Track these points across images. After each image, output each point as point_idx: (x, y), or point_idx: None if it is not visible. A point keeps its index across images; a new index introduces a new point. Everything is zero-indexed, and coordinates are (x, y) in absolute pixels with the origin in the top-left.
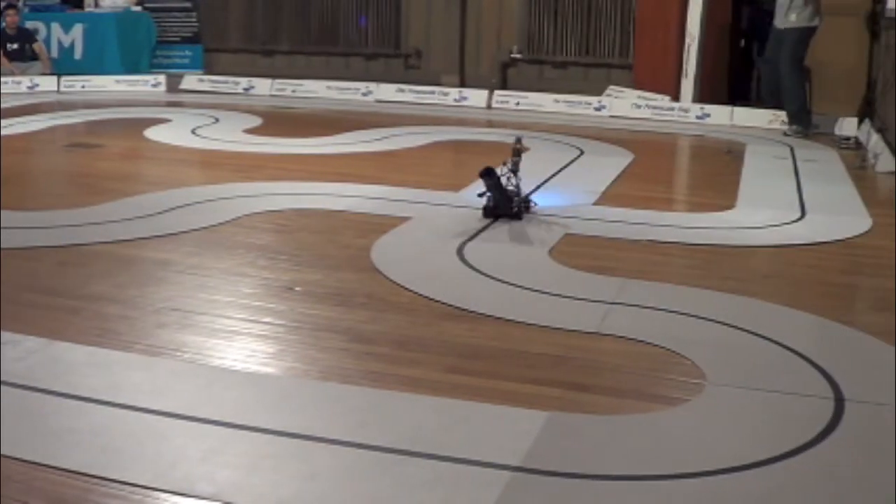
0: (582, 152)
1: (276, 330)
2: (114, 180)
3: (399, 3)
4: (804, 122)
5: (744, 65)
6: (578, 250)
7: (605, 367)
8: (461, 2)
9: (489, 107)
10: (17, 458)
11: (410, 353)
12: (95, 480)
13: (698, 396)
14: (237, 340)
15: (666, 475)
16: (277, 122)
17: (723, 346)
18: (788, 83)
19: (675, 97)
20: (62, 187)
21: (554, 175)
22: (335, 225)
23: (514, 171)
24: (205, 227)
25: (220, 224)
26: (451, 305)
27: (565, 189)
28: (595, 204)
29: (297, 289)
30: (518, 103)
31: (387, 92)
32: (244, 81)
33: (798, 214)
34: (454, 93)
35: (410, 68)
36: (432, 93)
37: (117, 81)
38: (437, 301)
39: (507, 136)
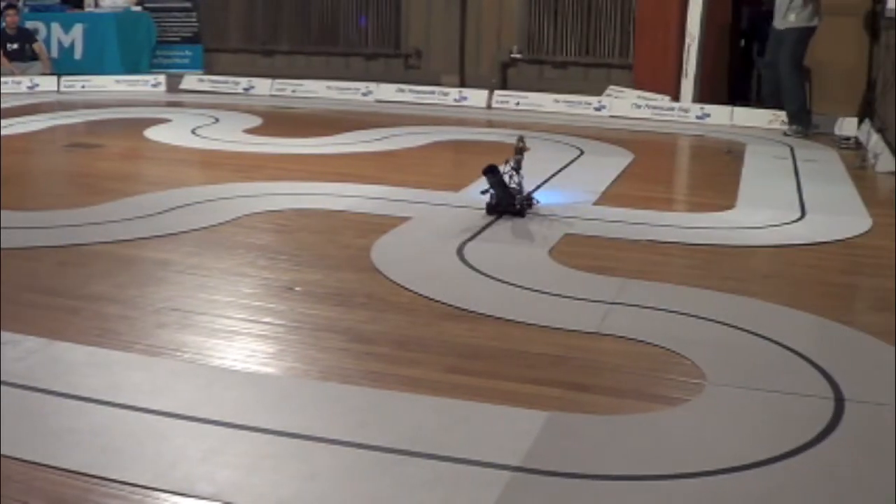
0: (582, 152)
1: (276, 330)
2: (114, 180)
3: (399, 3)
4: (804, 122)
5: (744, 65)
6: (578, 250)
7: (605, 367)
8: (461, 2)
9: (489, 107)
10: (17, 458)
11: (410, 353)
12: (95, 480)
13: (698, 396)
14: (237, 340)
15: (666, 475)
16: (277, 122)
17: (723, 346)
18: (788, 83)
19: (675, 97)
20: (62, 187)
21: (554, 175)
22: (335, 225)
23: (517, 168)
24: (205, 227)
25: (220, 224)
26: (451, 305)
27: (565, 189)
28: (595, 204)
29: (297, 289)
30: (518, 103)
31: (387, 92)
32: (244, 81)
33: (798, 214)
34: (454, 93)
35: (410, 68)
36: (432, 93)
37: (117, 81)
38: (437, 301)
39: (507, 136)
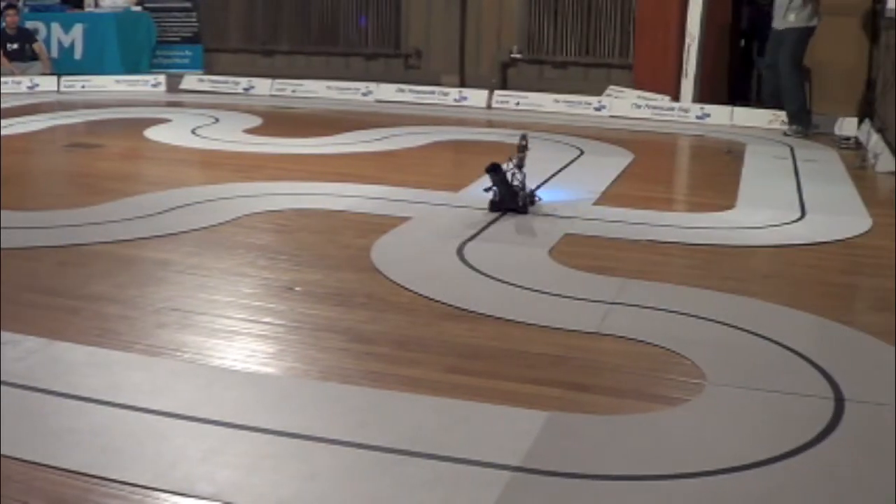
0: (582, 152)
1: (276, 330)
2: (114, 180)
3: (399, 3)
4: (804, 122)
5: (744, 65)
6: (578, 250)
7: (605, 367)
8: (461, 2)
9: (489, 107)
10: (17, 458)
11: (410, 353)
12: (95, 480)
13: (698, 396)
14: (237, 340)
15: (666, 475)
16: (277, 122)
17: (723, 346)
18: (788, 83)
19: (675, 97)
20: (62, 187)
21: (554, 175)
22: (335, 225)
23: (520, 166)
24: (205, 227)
25: (220, 224)
26: (451, 305)
27: (565, 189)
28: (595, 204)
29: (297, 289)
30: (518, 103)
31: (387, 92)
32: (244, 81)
33: (798, 214)
34: (454, 93)
35: (410, 68)
36: (432, 93)
37: (117, 81)
38: (437, 301)
39: (507, 136)
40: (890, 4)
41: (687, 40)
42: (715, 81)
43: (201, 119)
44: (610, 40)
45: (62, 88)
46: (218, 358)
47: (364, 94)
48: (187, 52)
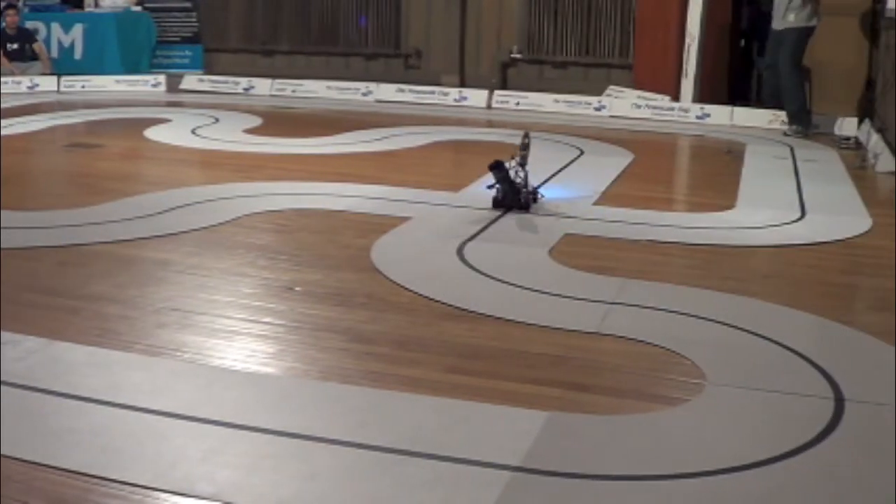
0: (582, 152)
1: (276, 330)
2: (114, 180)
3: (399, 3)
4: (804, 122)
5: (744, 65)
6: (578, 250)
7: (605, 367)
8: (461, 2)
9: (489, 107)
10: (17, 458)
11: (410, 353)
12: (95, 480)
13: (698, 396)
14: (237, 340)
15: (666, 475)
16: (277, 122)
17: (723, 346)
18: (788, 83)
19: (675, 97)
20: (62, 187)
21: (554, 175)
22: (335, 225)
23: (523, 164)
24: (205, 227)
25: (220, 224)
26: (451, 305)
27: (566, 189)
28: (595, 204)
29: (297, 289)
30: (518, 103)
31: (387, 92)
32: (244, 81)
33: (798, 214)
34: (454, 93)
35: (410, 68)
36: (432, 93)
37: (117, 81)
38: (437, 301)
39: (507, 136)
40: (890, 4)
41: (687, 40)
42: (715, 81)
43: (201, 119)
44: (610, 40)
45: (62, 88)
46: (218, 358)
47: (364, 94)
48: (187, 52)
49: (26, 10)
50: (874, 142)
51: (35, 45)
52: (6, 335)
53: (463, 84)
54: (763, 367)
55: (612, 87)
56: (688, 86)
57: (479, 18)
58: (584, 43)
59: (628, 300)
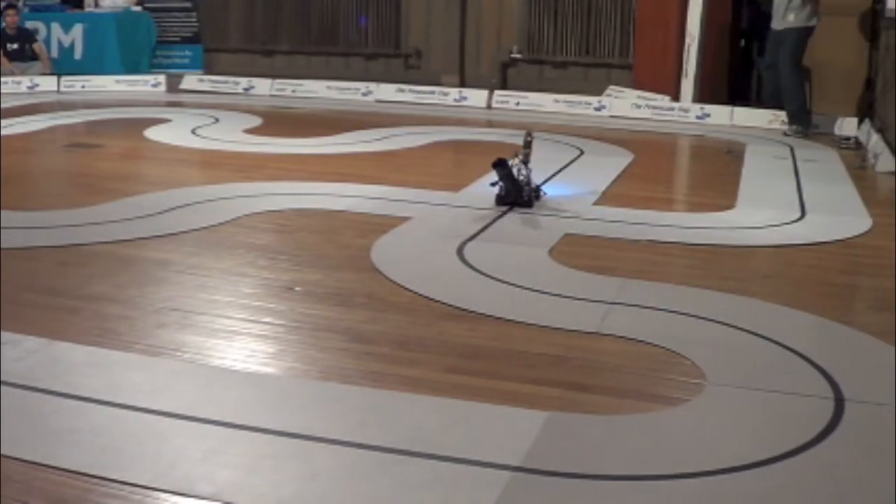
0: (582, 152)
1: (276, 330)
2: (114, 180)
3: (399, 3)
4: (804, 122)
5: (744, 65)
6: (578, 250)
7: (605, 367)
8: (461, 2)
9: (489, 107)
10: (17, 458)
11: (410, 353)
12: (95, 480)
13: (698, 396)
14: (237, 340)
15: (666, 475)
16: (277, 122)
17: (723, 346)
18: (788, 83)
19: (675, 97)
20: (62, 187)
21: (554, 175)
22: (335, 225)
23: (525, 161)
24: (205, 227)
25: (220, 224)
26: (451, 305)
27: (566, 189)
28: (595, 204)
29: (297, 289)
30: (518, 103)
31: (387, 92)
32: (244, 81)
33: (798, 214)
34: (454, 93)
35: (410, 68)
36: (432, 93)
37: (117, 81)
38: (437, 301)
39: (507, 136)
40: (890, 4)
41: (687, 40)
42: (715, 81)
43: (201, 119)
44: (610, 40)
45: (62, 88)
46: (218, 358)
47: (364, 94)
48: (187, 52)
49: (26, 10)
50: (874, 142)
51: (35, 45)
52: (6, 335)
53: (463, 84)
54: (763, 367)
55: (612, 87)
56: (688, 86)
57: (479, 18)
58: (584, 43)
59: (628, 300)
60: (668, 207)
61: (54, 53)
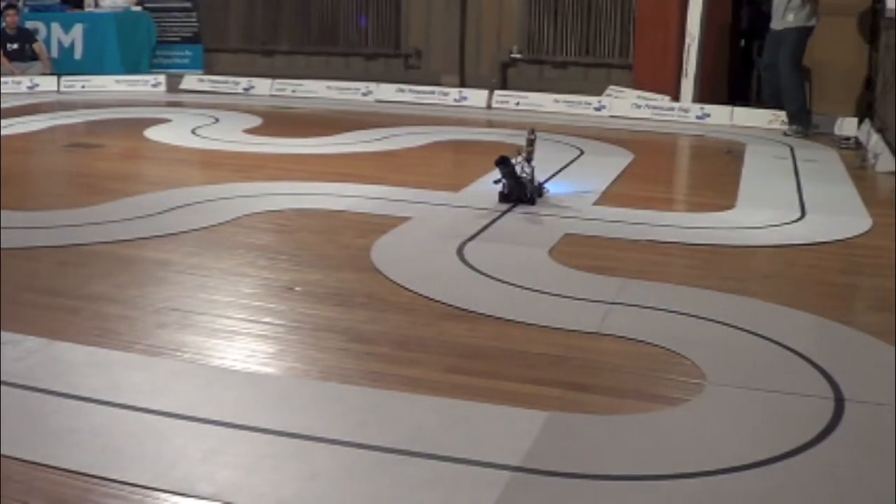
0: (582, 152)
1: (276, 330)
2: (114, 180)
3: (399, 3)
4: (804, 122)
5: (744, 65)
6: (578, 250)
7: (605, 367)
8: (461, 2)
9: (489, 107)
10: (17, 458)
11: (410, 353)
12: (95, 480)
13: (698, 396)
14: (237, 340)
15: (666, 475)
16: (277, 122)
17: (723, 346)
18: (788, 83)
19: (675, 97)
20: (62, 187)
21: (554, 175)
22: (335, 225)
23: (528, 159)
24: (205, 227)
25: (220, 224)
26: (451, 305)
27: (565, 189)
28: (595, 204)
29: (297, 289)
30: (518, 103)
31: (387, 92)
32: (244, 81)
33: (798, 214)
34: (454, 93)
35: (410, 68)
36: (432, 93)
37: (117, 81)
38: (437, 301)
39: (507, 136)
40: (890, 4)
41: (687, 40)
42: (715, 81)
43: (201, 119)
44: (610, 40)
45: (62, 88)
46: (218, 358)
47: (364, 94)
48: (187, 52)
49: (26, 10)
50: (874, 142)
51: (35, 45)
52: (6, 335)
53: (463, 84)
54: (763, 367)
55: (612, 87)
56: (688, 86)
57: (479, 18)
58: (584, 43)
59: (628, 300)
60: (668, 207)
61: (54, 53)
